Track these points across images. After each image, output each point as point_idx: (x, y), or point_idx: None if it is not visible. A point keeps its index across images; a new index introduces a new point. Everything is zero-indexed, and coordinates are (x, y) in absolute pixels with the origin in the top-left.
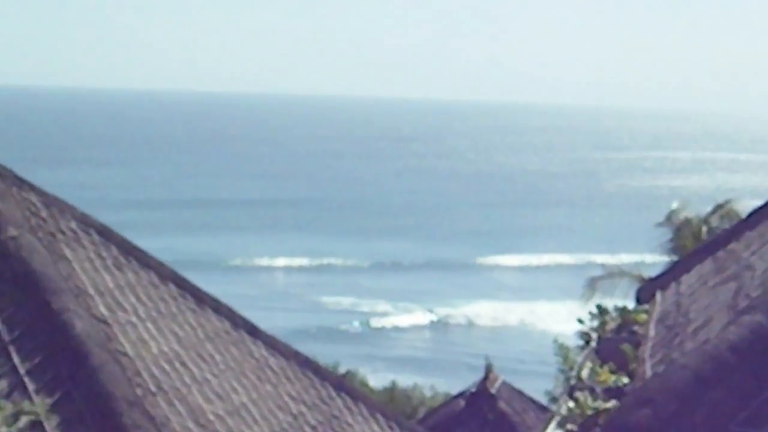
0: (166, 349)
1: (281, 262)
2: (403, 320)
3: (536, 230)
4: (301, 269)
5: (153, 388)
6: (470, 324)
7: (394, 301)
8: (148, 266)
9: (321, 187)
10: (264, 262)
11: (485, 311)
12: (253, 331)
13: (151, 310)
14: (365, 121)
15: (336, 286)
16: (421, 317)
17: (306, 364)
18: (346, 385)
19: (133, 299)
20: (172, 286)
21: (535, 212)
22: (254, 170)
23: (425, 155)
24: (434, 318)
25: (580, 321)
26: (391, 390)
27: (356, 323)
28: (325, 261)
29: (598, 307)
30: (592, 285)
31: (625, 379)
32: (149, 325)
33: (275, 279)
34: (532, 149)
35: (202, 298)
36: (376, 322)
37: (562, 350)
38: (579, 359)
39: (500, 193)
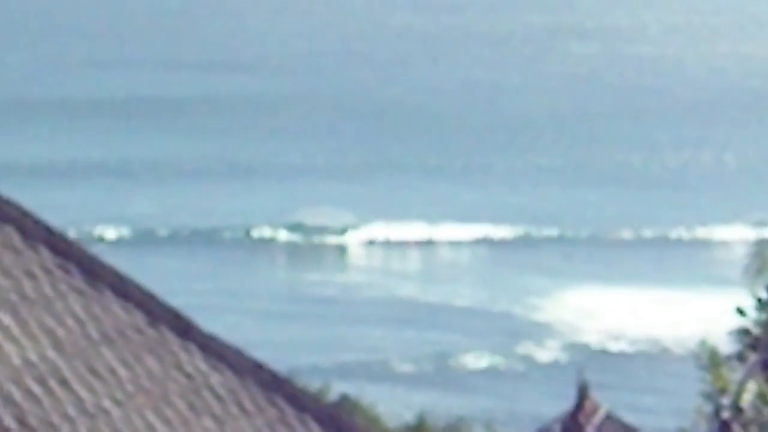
0: (33, 357)
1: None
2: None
3: None
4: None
5: (12, 425)
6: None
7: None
8: (6, 219)
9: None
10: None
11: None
12: (185, 329)
13: (10, 292)
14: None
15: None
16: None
17: (272, 384)
18: (337, 419)
19: None
20: (45, 252)
21: None
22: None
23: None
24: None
25: (741, 312)
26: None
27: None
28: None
29: None
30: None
31: None
32: (6, 317)
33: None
34: None
35: (97, 274)
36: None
37: (711, 360)
38: (737, 376)
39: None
